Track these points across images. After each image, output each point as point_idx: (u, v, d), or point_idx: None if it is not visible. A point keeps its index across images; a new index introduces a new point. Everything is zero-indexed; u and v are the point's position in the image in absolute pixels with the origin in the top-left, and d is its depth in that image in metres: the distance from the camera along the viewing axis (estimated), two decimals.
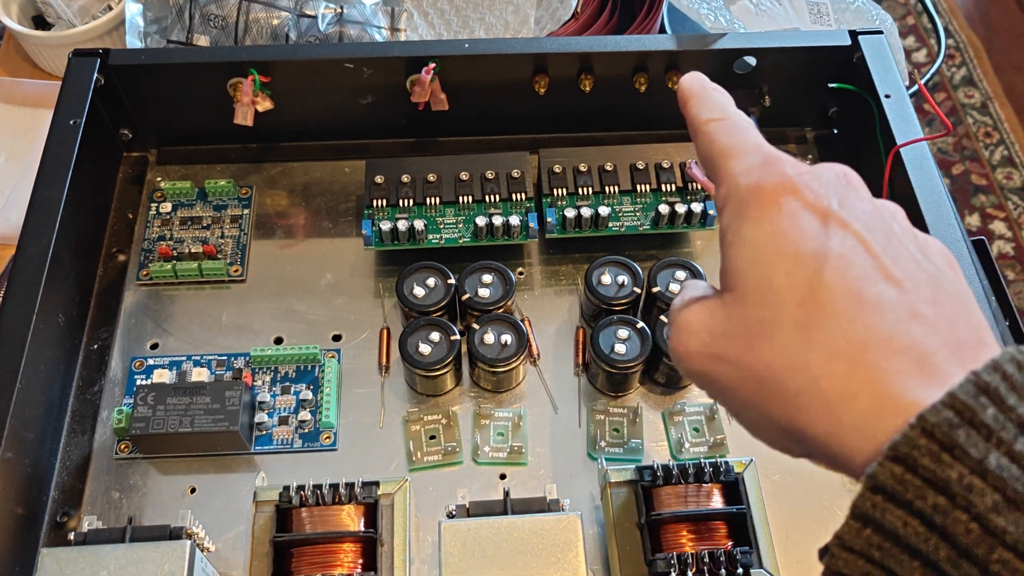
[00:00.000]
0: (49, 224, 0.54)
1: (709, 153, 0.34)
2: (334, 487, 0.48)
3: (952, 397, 0.25)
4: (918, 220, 0.55)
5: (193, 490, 0.54)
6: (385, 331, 0.59)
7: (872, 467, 0.25)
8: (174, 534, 0.46)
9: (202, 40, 0.67)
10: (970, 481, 0.24)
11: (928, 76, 0.70)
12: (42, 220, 0.54)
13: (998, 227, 1.52)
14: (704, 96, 0.36)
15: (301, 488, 0.48)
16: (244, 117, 0.61)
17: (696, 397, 0.57)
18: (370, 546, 0.47)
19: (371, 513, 0.48)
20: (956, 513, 0.24)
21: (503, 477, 0.54)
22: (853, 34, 0.63)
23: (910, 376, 0.27)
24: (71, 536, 0.46)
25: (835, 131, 0.69)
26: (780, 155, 0.32)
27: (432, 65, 0.60)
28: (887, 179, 0.58)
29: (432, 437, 0.55)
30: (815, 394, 0.28)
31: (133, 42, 0.68)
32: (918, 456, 0.25)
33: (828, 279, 0.28)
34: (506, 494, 0.48)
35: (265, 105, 0.62)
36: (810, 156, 0.69)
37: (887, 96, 0.60)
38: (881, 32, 0.63)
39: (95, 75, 0.60)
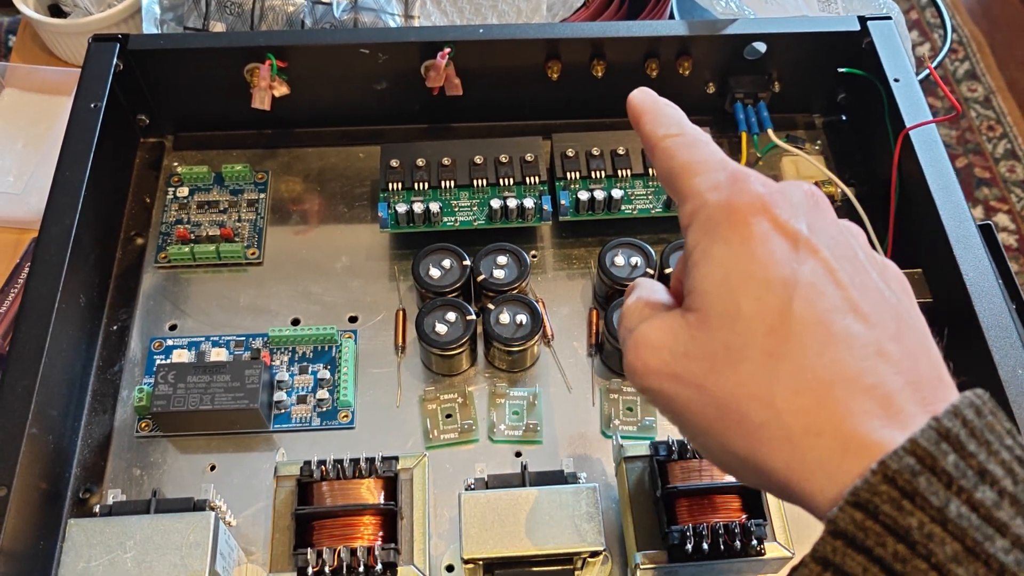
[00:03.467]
0: (72, 205, 0.55)
1: (669, 169, 0.33)
2: (354, 461, 0.49)
3: (914, 443, 0.25)
4: (928, 203, 0.56)
5: (213, 467, 0.54)
6: (401, 312, 0.60)
7: (833, 511, 0.25)
8: (198, 506, 0.47)
9: (218, 27, 0.68)
10: (930, 529, 0.24)
11: (938, 60, 0.71)
12: (65, 201, 0.55)
13: (1001, 219, 1.53)
14: (657, 112, 0.34)
15: (322, 462, 0.49)
16: (261, 101, 0.62)
17: None
18: (390, 519, 0.48)
19: (391, 486, 0.48)
20: (916, 562, 0.24)
21: (518, 455, 0.55)
22: (862, 20, 0.64)
23: (874, 416, 0.26)
24: (96, 508, 0.47)
25: (843, 117, 0.70)
26: (747, 171, 0.31)
27: (447, 50, 0.61)
28: (896, 163, 0.59)
29: (448, 416, 0.56)
30: (778, 428, 0.27)
31: (149, 29, 0.69)
32: (879, 503, 0.24)
33: (798, 308, 0.28)
34: (524, 467, 0.49)
35: (282, 90, 0.62)
36: (819, 142, 0.69)
37: (896, 80, 0.61)
38: (890, 18, 0.64)
39: (115, 60, 0.61)
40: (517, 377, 0.58)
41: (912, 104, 0.60)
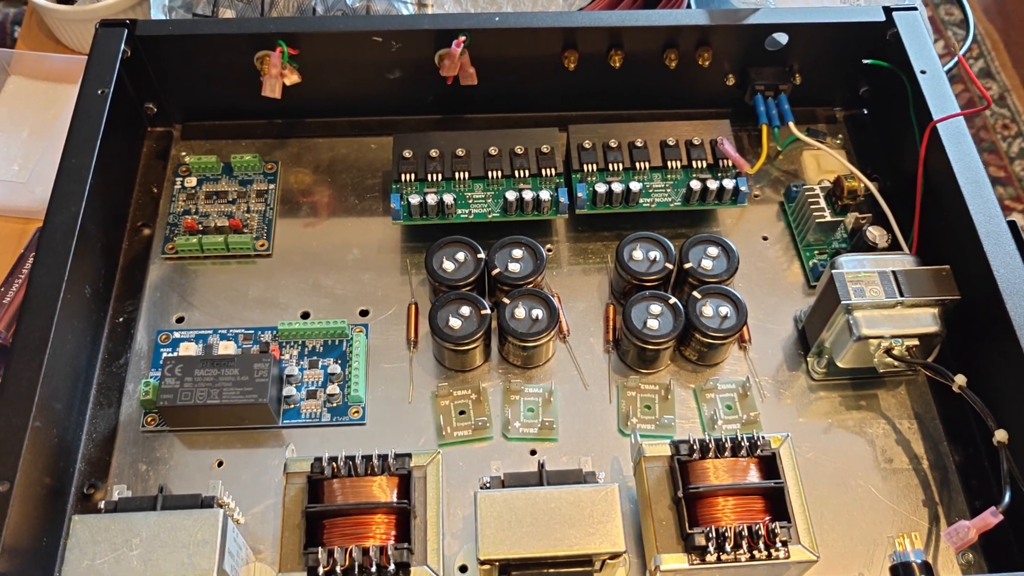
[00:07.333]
0: (78, 194, 0.54)
1: None
2: (366, 458, 0.47)
3: None
4: (957, 198, 0.55)
5: (220, 463, 0.53)
6: (413, 306, 0.59)
7: None
8: (206, 503, 0.45)
9: (228, 13, 0.66)
10: None
11: (964, 49, 0.69)
12: (70, 190, 0.54)
13: (1017, 219, 1.51)
14: None
15: (333, 459, 0.47)
16: (272, 89, 0.60)
17: (728, 374, 0.57)
18: (403, 517, 0.46)
19: (404, 484, 0.47)
20: None
21: (533, 453, 0.54)
22: (887, 10, 0.62)
23: None
24: (101, 504, 0.46)
25: (865, 111, 0.69)
26: None
27: (462, 38, 0.60)
28: (923, 156, 0.58)
29: (462, 412, 0.55)
30: None
31: (158, 16, 0.68)
32: None
33: None
34: (541, 466, 0.47)
35: (293, 78, 0.61)
36: (840, 136, 0.68)
37: (923, 72, 0.59)
38: (915, 8, 0.62)
39: (122, 46, 0.59)
40: (532, 373, 0.57)
41: (939, 96, 0.58)
